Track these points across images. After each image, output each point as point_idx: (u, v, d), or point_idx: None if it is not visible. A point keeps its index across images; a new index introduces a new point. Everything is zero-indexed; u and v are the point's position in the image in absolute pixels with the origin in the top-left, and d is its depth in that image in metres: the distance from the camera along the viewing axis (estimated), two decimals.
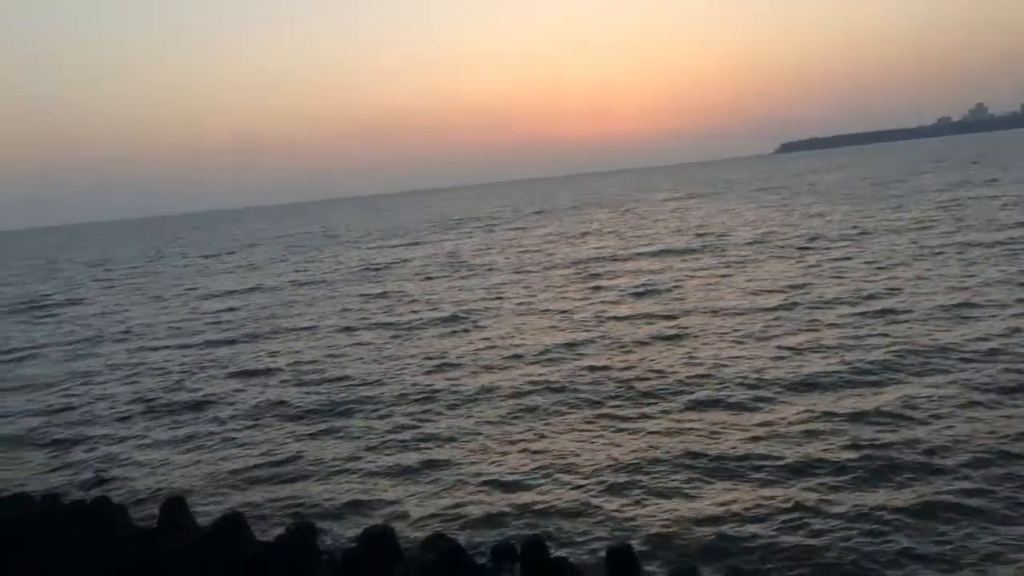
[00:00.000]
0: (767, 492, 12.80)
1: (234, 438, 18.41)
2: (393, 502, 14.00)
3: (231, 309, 40.13)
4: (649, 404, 17.64)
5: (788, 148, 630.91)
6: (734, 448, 14.59)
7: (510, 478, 14.46)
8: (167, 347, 31.03)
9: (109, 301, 50.48)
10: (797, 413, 15.97)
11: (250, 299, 43.57)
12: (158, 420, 20.57)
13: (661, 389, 18.48)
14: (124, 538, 12.37)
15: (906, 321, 22.41)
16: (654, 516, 12.45)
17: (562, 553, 11.46)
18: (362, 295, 40.56)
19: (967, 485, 12.31)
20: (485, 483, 14.40)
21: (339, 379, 22.65)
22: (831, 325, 22.96)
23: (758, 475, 13.47)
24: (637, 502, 12.98)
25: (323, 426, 18.53)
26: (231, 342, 30.51)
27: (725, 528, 11.77)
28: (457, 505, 13.64)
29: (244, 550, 11.72)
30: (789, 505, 12.24)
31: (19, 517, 13.40)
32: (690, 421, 16.27)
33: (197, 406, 21.40)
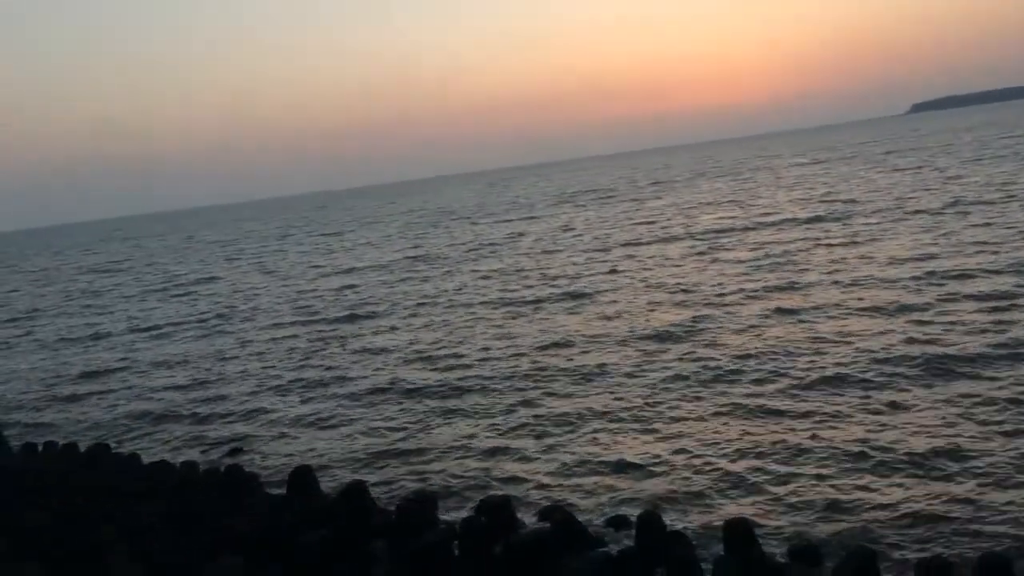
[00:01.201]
0: (891, 478, 12.28)
1: (357, 413, 19.05)
2: (510, 476, 14.20)
3: (351, 286, 41.38)
4: (768, 383, 17.04)
5: (920, 108, 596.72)
6: (858, 432, 14.00)
7: (625, 455, 14.42)
8: (293, 323, 32.31)
9: (240, 280, 52.90)
10: (929, 398, 15.01)
11: (369, 276, 44.79)
12: (286, 396, 21.46)
13: (782, 368, 17.81)
14: (256, 504, 13.01)
15: None
16: (770, 495, 12.18)
17: (679, 525, 11.36)
18: (477, 271, 41.06)
19: None
20: (600, 459, 14.41)
21: (457, 356, 23.03)
22: (969, 298, 21.52)
23: (882, 459, 12.89)
24: (754, 481, 12.71)
25: (442, 403, 18.90)
26: (353, 319, 31.49)
27: (845, 511, 11.40)
28: (573, 479, 13.72)
29: (368, 518, 12.14)
30: (921, 493, 11.69)
31: (160, 481, 14.30)
32: (810, 402, 15.63)
33: (322, 382, 22.20)
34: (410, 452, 16.02)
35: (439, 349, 24.15)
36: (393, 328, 28.57)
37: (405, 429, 17.42)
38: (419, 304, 32.85)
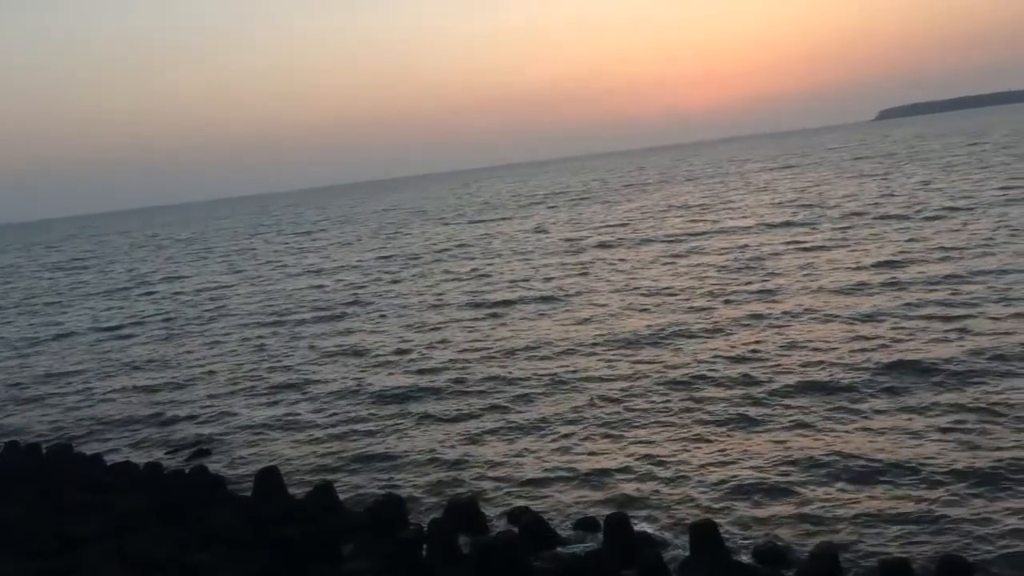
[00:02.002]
0: (855, 483, 12.46)
1: (325, 415, 18.87)
2: (478, 478, 14.19)
3: (321, 287, 41.13)
4: (737, 388, 17.13)
5: (888, 114, 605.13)
6: (823, 438, 14.19)
7: (594, 458, 14.49)
8: (261, 324, 32.03)
9: (207, 279, 52.33)
10: (894, 405, 15.16)
11: (339, 277, 44.54)
12: (253, 398, 21.22)
13: (750, 374, 17.89)
14: (220, 505, 12.89)
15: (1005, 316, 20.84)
16: (736, 498, 12.30)
17: (646, 528, 11.43)
18: (449, 272, 40.99)
19: None
20: (569, 462, 14.46)
21: (427, 358, 22.96)
22: (933, 304, 21.80)
23: (846, 464, 13.08)
24: (721, 484, 12.80)
25: (411, 405, 18.80)
26: (322, 320, 31.29)
27: (809, 510, 11.55)
28: (541, 481, 13.75)
29: (337, 518, 12.08)
30: (884, 497, 11.90)
31: (125, 482, 14.13)
32: (778, 408, 15.75)
33: (290, 384, 21.98)
34: (378, 454, 15.94)
35: (409, 351, 24.05)
36: (363, 330, 28.44)
37: (373, 431, 17.34)
38: (389, 306, 32.72)
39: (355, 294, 37.06)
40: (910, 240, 32.78)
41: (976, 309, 20.72)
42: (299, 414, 19.21)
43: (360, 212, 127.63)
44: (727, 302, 25.49)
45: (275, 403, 20.48)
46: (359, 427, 17.71)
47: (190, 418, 20.07)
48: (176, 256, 77.90)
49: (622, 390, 17.90)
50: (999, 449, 12.66)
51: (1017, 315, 19.63)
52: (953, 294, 22.58)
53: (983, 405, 14.48)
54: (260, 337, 29.33)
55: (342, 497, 13.23)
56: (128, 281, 57.74)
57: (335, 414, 18.84)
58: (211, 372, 24.73)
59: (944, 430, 13.65)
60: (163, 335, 32.72)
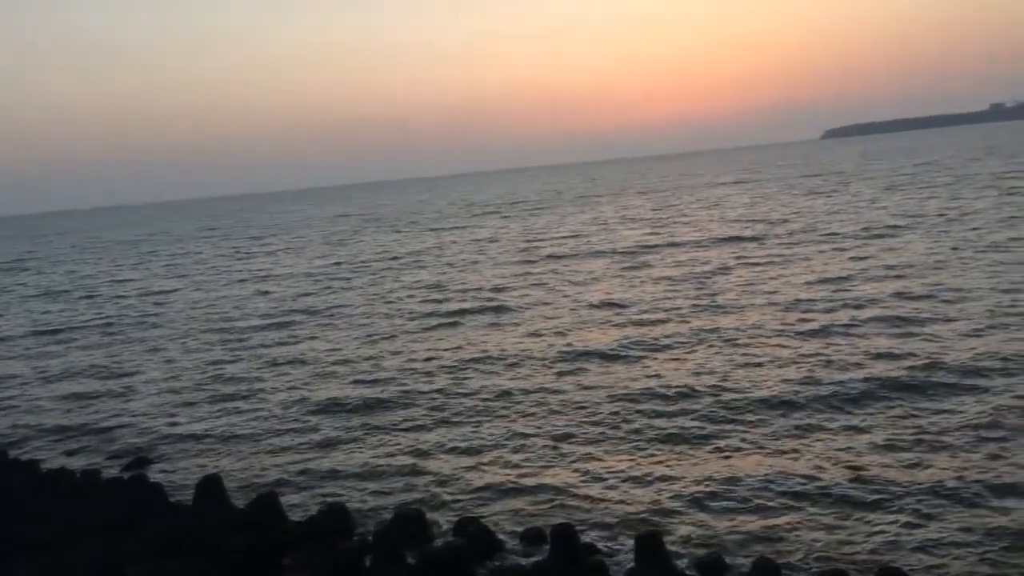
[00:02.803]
0: (798, 500, 12.66)
1: (269, 425, 18.53)
2: (425, 489, 14.08)
3: (268, 294, 40.60)
4: (684, 403, 17.13)
5: (832, 134, 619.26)
6: (767, 455, 14.36)
7: (541, 470, 14.48)
8: (205, 331, 31.44)
9: (151, 283, 51.31)
10: (840, 423, 15.29)
11: (288, 284, 44.02)
12: (195, 407, 20.71)
13: (698, 390, 17.91)
14: (159, 515, 12.60)
15: (945, 336, 21.37)
16: (681, 510, 12.40)
17: (591, 539, 11.45)
18: (400, 281, 40.79)
19: None
20: (516, 474, 14.43)
21: (375, 369, 22.68)
22: (877, 321, 22.13)
23: (790, 482, 13.32)
24: (667, 497, 12.89)
25: (357, 416, 18.51)
26: (268, 328, 30.79)
27: (753, 525, 11.68)
28: (488, 493, 13.69)
29: (278, 529, 11.89)
30: (826, 513, 12.09)
31: (59, 489, 13.73)
32: (724, 424, 15.83)
33: (234, 394, 21.57)
34: (324, 464, 15.74)
35: (357, 361, 23.78)
36: (311, 338, 28.06)
37: (319, 441, 17.10)
38: (338, 314, 32.37)
39: (304, 302, 36.60)
40: (854, 258, 33.49)
41: (919, 327, 21.12)
42: (243, 423, 18.87)
43: (312, 218, 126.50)
44: (677, 317, 25.61)
45: (218, 412, 20.08)
46: (305, 437, 17.46)
47: (130, 426, 19.58)
48: (119, 258, 76.25)
49: (571, 403, 17.90)
50: (939, 466, 12.91)
51: (959, 334, 20.08)
52: (897, 312, 22.95)
53: (925, 423, 14.76)
54: (204, 344, 28.80)
55: (286, 507, 13.01)
56: (68, 284, 56.32)
57: (280, 424, 18.55)
58: (153, 379, 24.18)
59: (886, 447, 13.85)
60: (104, 340, 31.94)
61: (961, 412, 15.01)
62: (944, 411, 15.17)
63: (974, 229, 38.12)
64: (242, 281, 47.24)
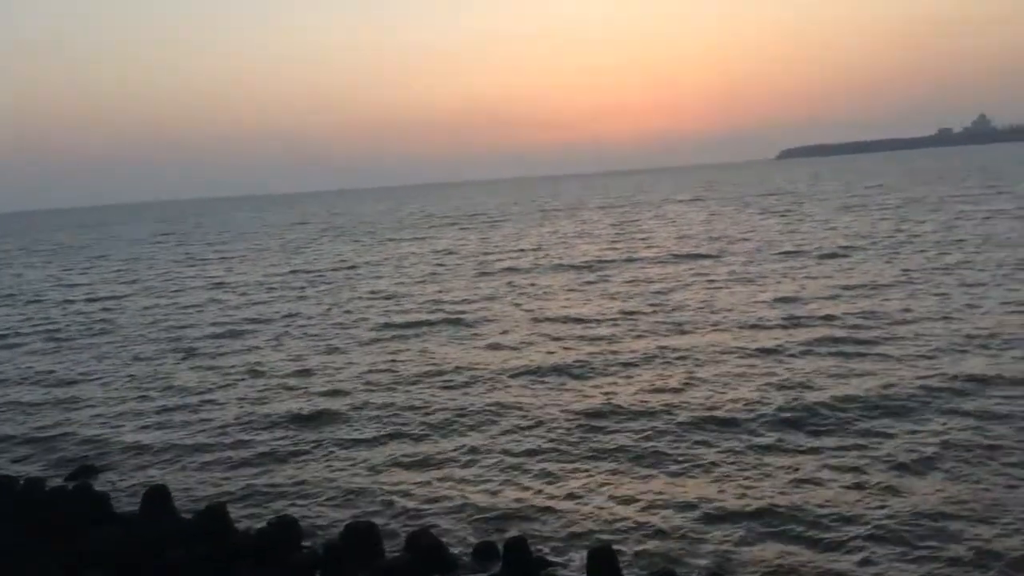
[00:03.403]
0: (747, 520, 12.73)
1: (219, 436, 18.16)
2: (377, 502, 13.96)
3: (220, 302, 39.98)
4: (638, 421, 17.13)
5: (788, 154, 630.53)
6: (723, 476, 14.39)
7: (494, 484, 14.44)
8: (156, 339, 30.82)
9: (99, 288, 50.25)
10: (792, 444, 15.35)
11: (242, 292, 43.42)
12: (143, 417, 20.20)
13: (651, 407, 17.94)
14: (105, 524, 12.32)
15: (899, 358, 21.71)
16: (635, 525, 12.46)
17: (544, 553, 11.46)
18: (356, 292, 40.52)
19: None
20: (470, 488, 14.38)
21: (329, 381, 22.36)
22: (829, 341, 22.40)
23: (739, 502, 13.41)
24: (621, 513, 12.93)
25: (309, 429, 18.23)
26: (221, 337, 30.29)
27: (704, 544, 11.76)
28: (441, 506, 13.62)
29: (228, 540, 11.69)
30: (776, 533, 12.23)
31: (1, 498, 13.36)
32: (676, 441, 15.87)
33: (184, 403, 21.10)
34: (274, 478, 15.47)
35: (311, 373, 23.41)
36: (264, 348, 27.64)
37: (270, 453, 16.81)
38: (292, 324, 31.94)
39: (257, 310, 36.12)
40: (808, 277, 34.09)
41: (869, 348, 21.43)
42: (192, 434, 18.50)
43: (269, 225, 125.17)
44: (634, 333, 25.71)
45: (167, 422, 19.63)
46: (255, 449, 17.16)
47: (75, 435, 19.09)
48: (68, 263, 74.60)
49: (526, 419, 17.85)
50: (889, 488, 13.02)
51: (909, 356, 20.38)
52: (850, 334, 23.18)
53: (875, 445, 14.88)
54: (154, 352, 28.21)
55: (235, 519, 12.81)
56: (13, 287, 54.92)
57: (230, 435, 18.19)
58: (100, 387, 23.64)
59: (837, 468, 13.93)
60: (50, 346, 31.17)
61: (909, 434, 15.20)
62: (890, 434, 15.30)
63: (922, 251, 39.11)
64: (195, 288, 46.50)
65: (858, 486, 13.19)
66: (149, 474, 16.11)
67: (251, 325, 32.30)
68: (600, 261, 45.68)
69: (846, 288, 30.53)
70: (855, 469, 13.87)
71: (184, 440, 18.05)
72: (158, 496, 13.10)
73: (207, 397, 21.57)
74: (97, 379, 24.74)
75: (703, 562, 11.16)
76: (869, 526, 11.83)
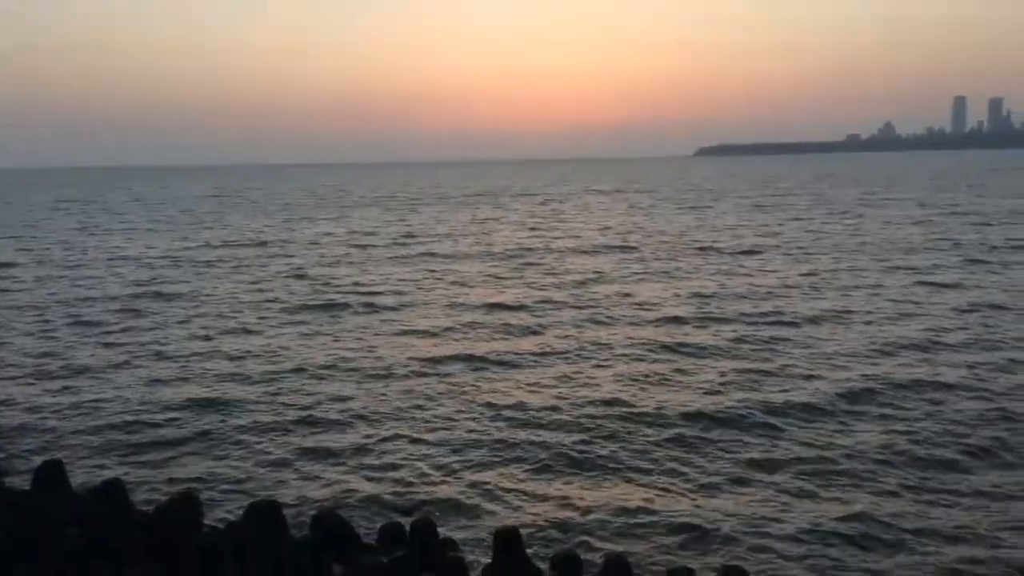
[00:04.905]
0: (647, 489, 13.11)
1: (118, 415, 17.45)
2: (281, 482, 13.79)
3: (123, 276, 38.59)
4: (551, 412, 17.16)
5: (704, 152, 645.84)
6: (613, 449, 14.88)
7: (402, 465, 14.41)
8: (49, 314, 29.34)
9: None
10: (703, 450, 15.34)
11: (147, 265, 42.06)
12: (37, 394, 19.35)
13: (564, 399, 18.06)
14: None
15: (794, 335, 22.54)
16: (543, 509, 12.62)
17: (451, 534, 11.49)
18: (267, 270, 39.70)
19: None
20: (377, 468, 14.33)
21: (234, 361, 21.88)
22: (747, 342, 22.72)
23: (640, 474, 13.80)
24: (526, 497, 13.09)
25: (213, 411, 17.66)
26: (121, 312, 29.24)
27: (609, 523, 12.06)
28: (347, 486, 13.55)
29: (126, 518, 11.33)
30: (665, 501, 12.55)
31: None
32: (586, 432, 15.96)
33: (78, 379, 20.33)
34: (176, 460, 15.02)
35: (217, 354, 22.78)
36: (168, 327, 26.64)
37: (173, 437, 16.17)
38: (198, 302, 31.05)
39: (161, 286, 34.85)
40: (721, 273, 35.02)
41: (780, 346, 22.03)
42: (89, 412, 17.71)
43: (179, 196, 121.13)
44: (550, 324, 25.81)
45: (61, 400, 18.63)
46: (157, 431, 16.48)
47: None
48: None
49: (439, 406, 17.79)
50: (803, 495, 13.12)
51: (822, 356, 20.99)
52: (760, 333, 23.75)
53: (786, 448, 15.07)
54: (48, 327, 26.93)
55: (132, 496, 12.42)
56: None
57: (130, 415, 17.48)
58: None
59: (736, 480, 13.77)
60: None
61: (825, 437, 15.43)
62: (803, 438, 15.46)
63: (829, 253, 40.61)
64: (95, 260, 44.65)
65: (774, 492, 13.14)
66: (45, 446, 15.54)
67: (154, 301, 31.20)
68: (522, 248, 45.88)
69: (759, 287, 31.41)
70: (765, 471, 13.92)
71: (82, 419, 17.28)
72: (52, 472, 12.57)
73: (106, 375, 20.73)
74: None
75: (606, 543, 11.40)
76: (783, 531, 11.85)
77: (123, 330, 26.07)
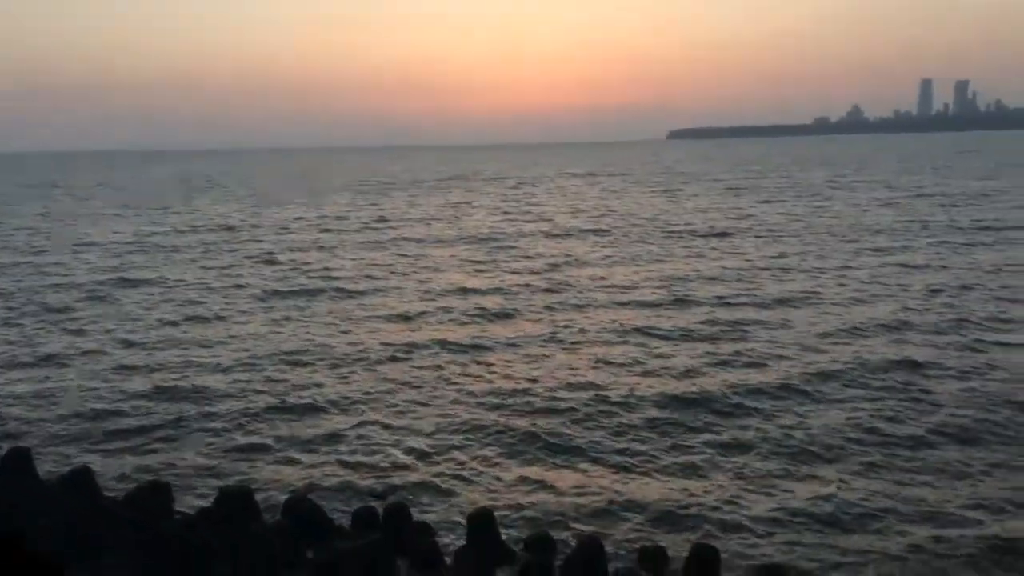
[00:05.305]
0: (616, 480, 13.22)
1: (86, 404, 17.17)
2: (254, 468, 13.70)
3: (89, 262, 37.95)
4: (525, 397, 17.15)
5: (675, 135, 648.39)
6: (586, 431, 14.97)
7: (377, 456, 14.31)
8: (14, 302, 28.73)
9: None
10: (671, 432, 15.35)
11: (112, 250, 41.42)
12: (6, 373, 19.22)
13: (538, 384, 18.07)
14: None
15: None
16: (512, 488, 12.70)
17: (424, 518, 11.48)
18: (238, 255, 39.27)
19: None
20: (350, 453, 14.29)
21: (202, 348, 21.69)
22: (718, 324, 22.92)
23: (613, 457, 13.86)
24: (501, 480, 13.12)
25: (183, 399, 17.43)
26: (88, 299, 28.80)
27: (582, 505, 12.13)
28: (320, 472, 13.50)
29: (96, 505, 11.18)
30: (630, 485, 12.64)
31: None
32: (561, 417, 15.97)
33: (46, 368, 19.99)
34: (146, 448, 14.85)
35: (190, 342, 22.53)
36: (135, 314, 26.23)
37: (142, 425, 15.98)
38: (165, 288, 30.64)
39: (128, 272, 34.26)
40: (692, 256, 35.18)
41: (752, 329, 22.12)
42: (55, 400, 17.45)
43: (147, 180, 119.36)
44: (524, 309, 25.75)
45: (27, 389, 18.32)
46: (126, 419, 16.28)
47: None
48: None
49: (411, 389, 17.77)
50: (776, 476, 13.19)
51: (792, 337, 21.14)
52: (731, 315, 23.85)
53: (762, 429, 15.09)
54: (11, 313, 26.47)
55: (101, 483, 12.26)
56: None
57: (98, 403, 17.24)
58: None
59: (707, 461, 13.92)
60: None
61: (799, 418, 15.52)
62: (779, 419, 15.59)
63: (800, 235, 40.94)
64: (60, 245, 43.86)
65: (745, 473, 13.20)
66: (12, 434, 15.23)
67: (120, 289, 30.63)
68: (496, 233, 45.76)
69: (730, 270, 31.52)
70: (736, 452, 13.99)
71: (50, 409, 16.99)
72: (19, 459, 12.38)
73: (71, 363, 20.41)
74: None
75: (578, 525, 11.45)
76: (754, 510, 11.92)
77: (88, 318, 25.60)
